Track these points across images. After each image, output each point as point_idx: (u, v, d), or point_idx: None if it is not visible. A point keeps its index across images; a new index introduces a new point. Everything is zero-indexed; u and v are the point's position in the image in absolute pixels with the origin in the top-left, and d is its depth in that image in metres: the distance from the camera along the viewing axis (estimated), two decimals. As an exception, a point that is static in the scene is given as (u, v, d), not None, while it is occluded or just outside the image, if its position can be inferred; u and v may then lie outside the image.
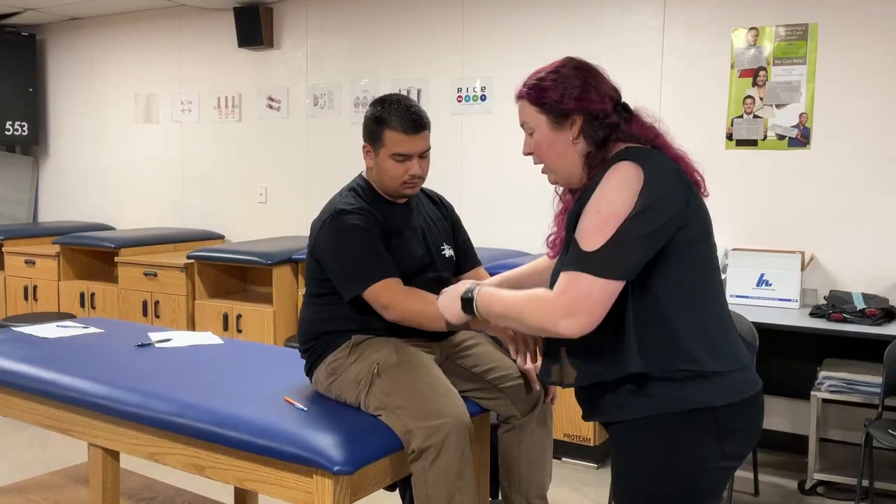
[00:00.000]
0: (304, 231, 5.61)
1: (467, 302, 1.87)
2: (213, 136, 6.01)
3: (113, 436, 2.45)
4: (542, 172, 1.88)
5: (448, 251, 2.54)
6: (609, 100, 1.77)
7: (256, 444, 2.08)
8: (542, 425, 2.43)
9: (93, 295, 5.47)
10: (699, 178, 1.78)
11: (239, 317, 4.84)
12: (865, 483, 3.37)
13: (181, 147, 6.16)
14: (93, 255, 5.78)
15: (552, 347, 1.80)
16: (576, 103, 1.75)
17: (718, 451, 1.67)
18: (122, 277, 5.28)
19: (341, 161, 5.38)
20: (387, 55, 5.23)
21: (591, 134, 1.75)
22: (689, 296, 1.67)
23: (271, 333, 4.74)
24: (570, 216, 1.76)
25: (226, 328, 4.86)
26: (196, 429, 2.20)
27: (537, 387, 2.41)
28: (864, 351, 3.74)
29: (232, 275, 5.26)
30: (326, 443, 2.02)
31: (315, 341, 2.40)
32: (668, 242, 1.64)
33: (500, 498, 2.58)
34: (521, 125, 1.86)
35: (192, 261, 5.00)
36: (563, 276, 1.64)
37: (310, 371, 2.42)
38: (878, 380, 3.44)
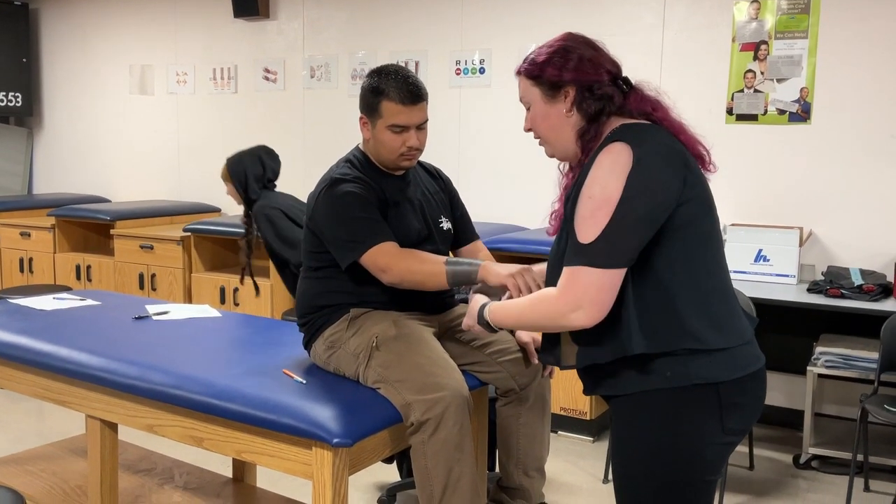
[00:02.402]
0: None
1: (487, 326, 1.89)
2: (208, 108, 5.96)
3: (111, 407, 2.45)
4: (540, 146, 1.87)
5: (446, 224, 2.53)
6: (606, 73, 1.75)
7: (255, 417, 2.08)
8: (541, 399, 2.44)
9: (89, 267, 5.46)
10: (703, 151, 1.76)
11: (236, 290, 4.83)
12: (860, 457, 3.40)
13: (177, 119, 6.12)
14: (88, 227, 5.76)
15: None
16: (569, 74, 1.73)
17: (720, 427, 1.66)
18: (118, 250, 5.26)
19: (338, 134, 5.34)
20: (384, 27, 5.18)
21: (584, 106, 1.73)
22: (691, 272, 1.66)
23: (268, 307, 4.74)
24: (568, 198, 1.75)
25: (223, 301, 4.86)
26: (195, 401, 2.19)
27: (536, 360, 2.41)
28: (861, 327, 3.75)
29: (228, 248, 5.24)
30: (325, 415, 2.01)
31: (313, 315, 2.39)
32: (667, 220, 1.63)
33: (496, 470, 2.59)
34: (520, 101, 1.85)
35: (189, 234, 4.98)
36: (565, 272, 1.65)
37: (308, 344, 2.42)
38: (874, 355, 3.45)
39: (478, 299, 1.97)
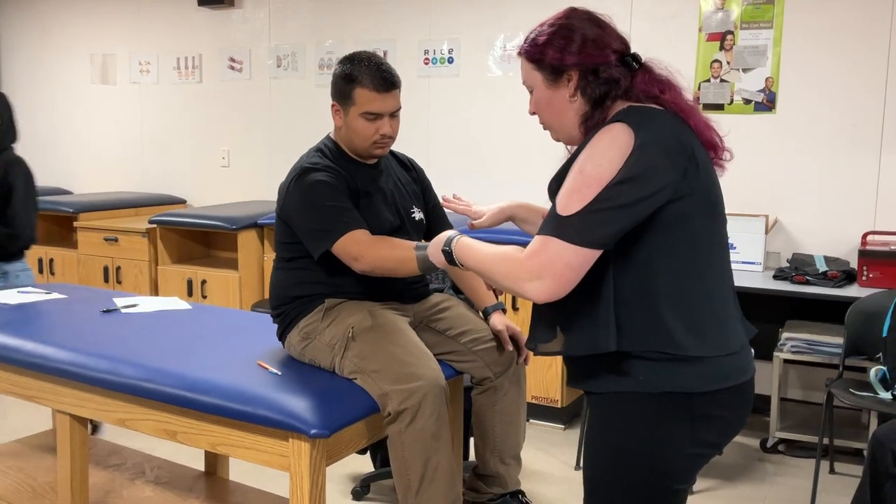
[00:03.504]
0: (269, 195, 5.54)
1: (447, 254, 1.82)
2: (172, 98, 5.88)
3: (81, 402, 2.41)
4: (545, 130, 1.77)
5: (418, 214, 2.52)
6: (612, 52, 1.64)
7: (231, 409, 2.05)
8: (516, 386, 2.44)
9: (52, 261, 5.36)
10: (716, 138, 1.67)
11: (204, 282, 4.78)
12: (825, 441, 3.46)
13: (140, 109, 6.02)
14: (51, 220, 5.63)
15: (536, 314, 1.74)
16: (571, 58, 1.63)
17: (691, 437, 1.60)
18: (82, 243, 5.17)
19: (306, 124, 5.30)
20: (352, 16, 5.14)
21: (588, 91, 1.63)
22: (677, 273, 1.57)
23: (237, 299, 4.69)
24: (556, 177, 1.66)
25: (190, 294, 4.80)
26: (168, 394, 2.16)
27: (510, 348, 2.42)
28: (826, 312, 3.82)
29: (195, 240, 5.18)
30: (302, 406, 2.00)
31: (287, 306, 2.37)
32: (657, 215, 1.54)
33: (471, 459, 2.60)
34: (523, 83, 1.76)
35: (155, 226, 4.91)
36: (536, 239, 1.55)
37: (282, 336, 2.40)
38: (838, 340, 3.51)
39: (446, 232, 1.88)
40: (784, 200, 4.12)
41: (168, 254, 4.98)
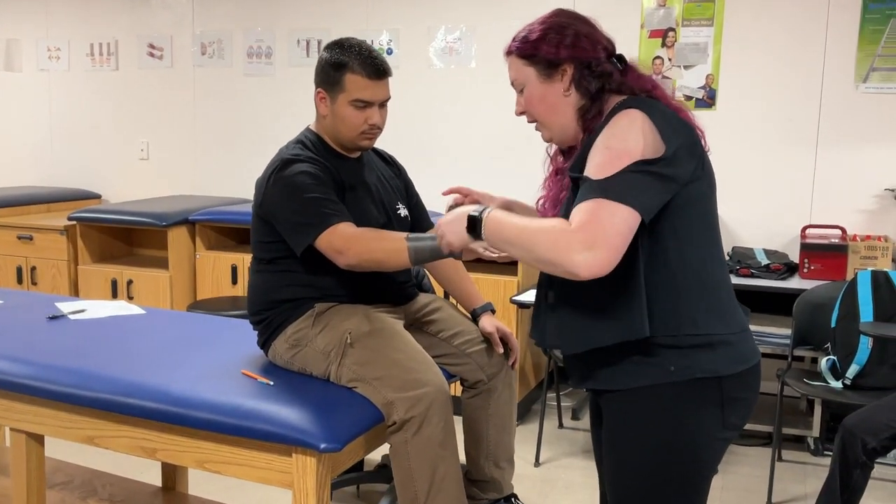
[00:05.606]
0: (194, 190, 5.29)
1: (473, 221, 1.61)
2: (86, 87, 5.52)
3: (41, 419, 2.21)
4: (536, 129, 1.76)
5: (403, 211, 2.44)
6: (602, 49, 1.67)
7: (226, 424, 1.91)
8: (508, 388, 2.39)
9: (-45, 261, 4.95)
10: (700, 132, 1.69)
11: (130, 282, 4.50)
12: (772, 429, 3.56)
13: (49, 98, 5.63)
14: (-49, 216, 5.21)
15: (544, 306, 1.69)
16: (566, 51, 1.64)
17: (721, 422, 1.61)
18: (-8, 241, 4.80)
19: (234, 115, 5.07)
20: (283, 1, 4.95)
21: (584, 84, 1.64)
22: (698, 255, 1.59)
23: (168, 300, 4.45)
24: (572, 168, 1.63)
25: (115, 295, 4.52)
26: (150, 409, 2.00)
27: (501, 350, 2.36)
28: (765, 304, 3.92)
29: (118, 237, 4.88)
30: (306, 419, 1.88)
31: (271, 311, 2.23)
32: (676, 198, 1.54)
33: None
34: (511, 84, 1.74)
35: (74, 222, 4.59)
36: (581, 207, 1.46)
37: (265, 343, 2.26)
38: (784, 331, 3.61)
39: (475, 206, 1.67)
40: (724, 195, 4.15)
41: (89, 252, 4.67)
